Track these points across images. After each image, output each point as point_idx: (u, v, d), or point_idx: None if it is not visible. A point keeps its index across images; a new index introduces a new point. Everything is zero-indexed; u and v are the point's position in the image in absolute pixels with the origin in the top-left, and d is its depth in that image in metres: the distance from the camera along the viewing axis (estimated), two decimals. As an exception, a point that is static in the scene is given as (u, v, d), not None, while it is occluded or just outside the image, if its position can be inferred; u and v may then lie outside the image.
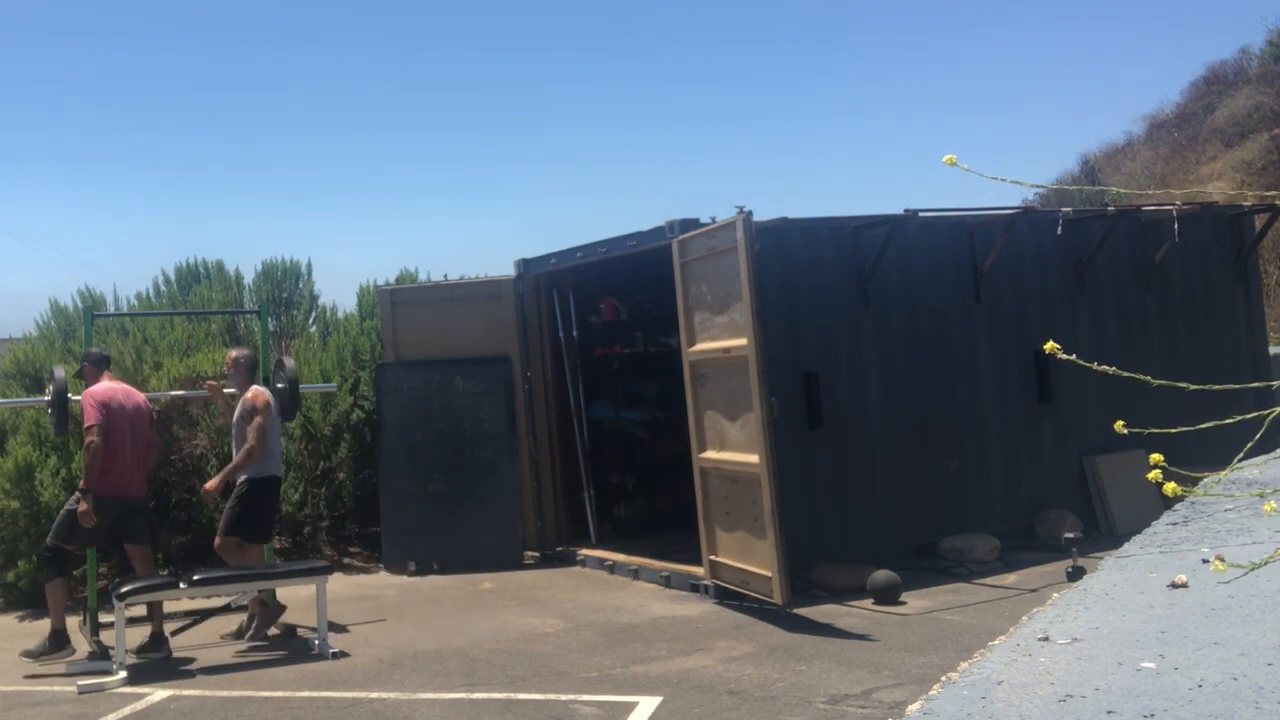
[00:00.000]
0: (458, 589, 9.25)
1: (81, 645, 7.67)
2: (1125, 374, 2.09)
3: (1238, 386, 2.15)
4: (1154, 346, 10.43)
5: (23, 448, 9.39)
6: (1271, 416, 2.12)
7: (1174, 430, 2.13)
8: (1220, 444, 2.40)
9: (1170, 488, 1.93)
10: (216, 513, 9.92)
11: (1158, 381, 2.11)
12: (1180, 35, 44.97)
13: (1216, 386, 2.14)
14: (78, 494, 7.23)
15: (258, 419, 7.62)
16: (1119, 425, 2.09)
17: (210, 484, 7.79)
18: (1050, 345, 2.08)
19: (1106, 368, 2.11)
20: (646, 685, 6.08)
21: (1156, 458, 1.93)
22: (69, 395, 7.79)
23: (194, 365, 10.28)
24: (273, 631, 7.69)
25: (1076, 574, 7.48)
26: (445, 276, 11.26)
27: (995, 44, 49.92)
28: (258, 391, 7.75)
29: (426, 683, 6.39)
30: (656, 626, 7.55)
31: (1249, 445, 2.32)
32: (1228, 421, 2.17)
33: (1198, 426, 2.14)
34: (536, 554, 10.37)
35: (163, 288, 12.81)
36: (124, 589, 7.04)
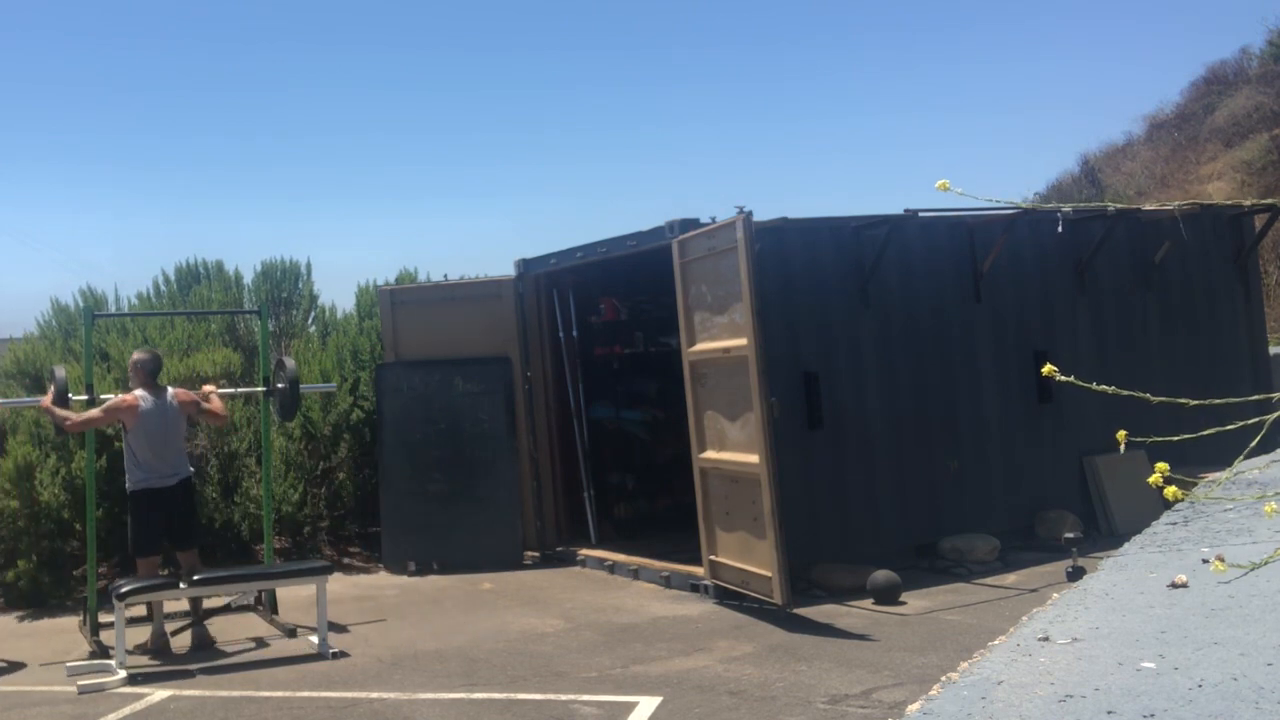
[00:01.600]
0: (458, 589, 9.26)
1: (81, 645, 7.68)
2: (1126, 392, 2.08)
3: (1238, 400, 2.15)
4: (1154, 347, 10.43)
5: (22, 447, 9.39)
6: (1271, 420, 2.12)
7: (1175, 438, 2.13)
8: (1219, 442, 2.40)
9: (1171, 492, 1.93)
10: (216, 513, 9.95)
11: (1157, 399, 2.11)
12: (1180, 35, 44.95)
13: (1218, 401, 2.13)
14: None
15: (94, 411, 7.53)
16: (1121, 436, 2.09)
17: (44, 400, 7.66)
18: (1048, 368, 2.08)
19: (1106, 388, 2.11)
20: (646, 685, 6.08)
21: (1163, 467, 1.93)
22: (70, 395, 7.78)
23: (194, 365, 10.29)
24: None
25: (1076, 574, 7.48)
26: (445, 276, 11.26)
27: (995, 44, 49.92)
28: (125, 395, 7.65)
29: (426, 683, 6.39)
30: (656, 626, 7.55)
31: (1250, 446, 2.32)
32: (1229, 427, 2.17)
33: (1199, 434, 2.14)
34: (536, 554, 10.37)
35: (163, 288, 12.80)
36: (124, 589, 7.04)
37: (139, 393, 7.58)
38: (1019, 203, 2.44)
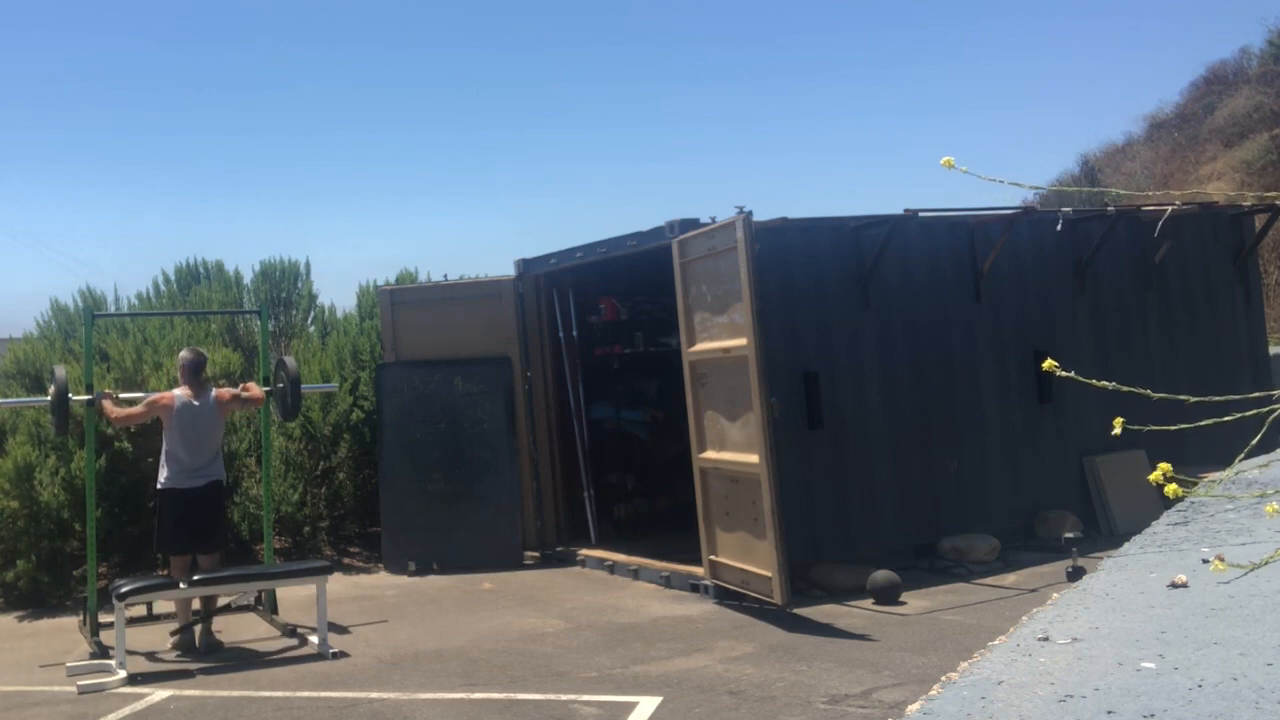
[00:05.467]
0: (458, 589, 9.25)
1: (81, 645, 7.67)
2: (1126, 389, 2.08)
3: (1239, 397, 2.14)
4: (1154, 346, 10.43)
5: (22, 448, 9.38)
6: (1272, 418, 2.11)
7: (1173, 427, 2.13)
8: (1219, 442, 2.41)
9: (1172, 489, 1.93)
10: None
11: (1158, 395, 2.10)
12: (1180, 35, 44.98)
13: (1218, 398, 2.13)
14: None
15: (138, 406, 7.78)
16: (1117, 423, 2.09)
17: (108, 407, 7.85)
18: (1049, 363, 2.08)
19: (1107, 383, 2.10)
20: (646, 685, 6.08)
21: (1165, 466, 1.93)
22: (70, 395, 7.78)
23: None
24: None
25: (1076, 574, 7.48)
26: (445, 276, 11.26)
27: (995, 43, 49.95)
28: (163, 393, 7.90)
29: (426, 683, 6.39)
30: (656, 626, 7.55)
31: (1250, 445, 2.32)
32: (1226, 419, 2.16)
33: (1196, 424, 2.14)
34: (536, 554, 10.37)
35: (163, 288, 12.80)
36: (124, 589, 7.04)
37: (177, 391, 7.73)
38: (1022, 185, 2.41)
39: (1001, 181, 2.21)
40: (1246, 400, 2.13)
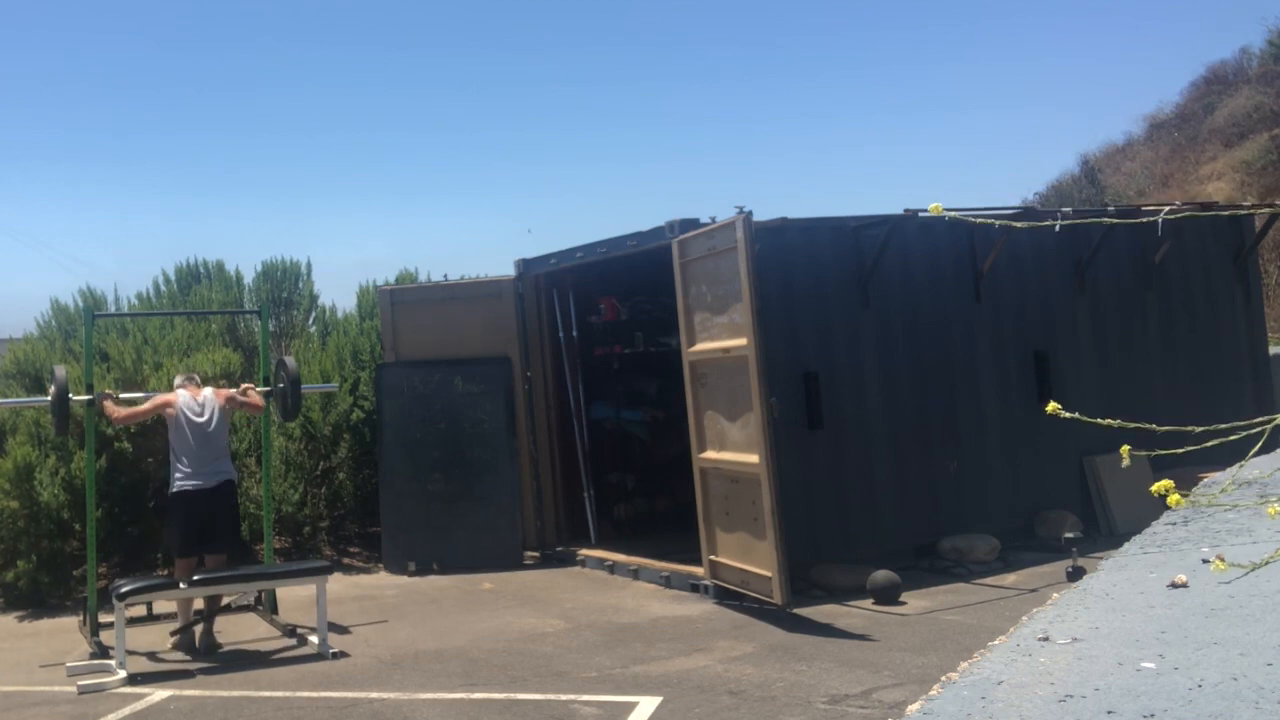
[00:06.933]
0: (458, 589, 9.26)
1: (81, 645, 7.67)
2: (1133, 425, 2.07)
3: (1244, 424, 2.14)
4: (1154, 346, 10.43)
5: (22, 448, 9.38)
6: (1272, 426, 2.11)
7: (1180, 450, 2.12)
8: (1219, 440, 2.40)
9: (1175, 500, 1.93)
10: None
11: (1163, 428, 2.10)
12: (1180, 35, 44.96)
13: (1223, 425, 2.12)
14: None
15: (142, 405, 7.84)
16: (1124, 450, 2.08)
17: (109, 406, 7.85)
18: (1053, 406, 2.07)
19: (1112, 421, 2.10)
20: (646, 685, 6.08)
21: (1168, 485, 1.93)
22: (70, 395, 7.78)
23: (193, 365, 10.27)
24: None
25: (1076, 574, 7.48)
26: (445, 276, 11.26)
27: (995, 43, 49.93)
28: (166, 393, 7.97)
29: (426, 683, 6.39)
30: (656, 626, 7.55)
31: (1253, 451, 2.31)
32: (1231, 439, 2.16)
33: (1203, 445, 2.13)
34: (536, 554, 10.37)
35: (163, 288, 12.79)
36: (124, 589, 7.04)
37: (179, 391, 7.77)
38: (1016, 224, 2.43)
39: (994, 220, 2.21)
40: (1244, 393, 2.13)
